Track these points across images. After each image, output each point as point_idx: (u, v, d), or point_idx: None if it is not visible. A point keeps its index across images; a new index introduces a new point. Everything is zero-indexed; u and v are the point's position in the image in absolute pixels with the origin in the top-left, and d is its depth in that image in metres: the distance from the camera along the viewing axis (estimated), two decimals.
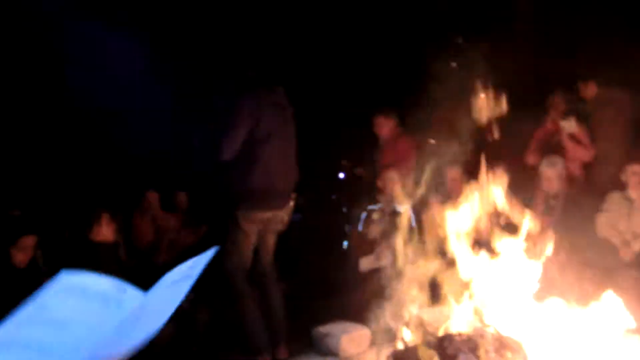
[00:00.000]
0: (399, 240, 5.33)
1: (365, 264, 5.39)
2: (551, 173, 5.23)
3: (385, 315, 3.60)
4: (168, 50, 6.45)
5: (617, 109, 5.54)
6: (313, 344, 3.43)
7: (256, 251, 4.37)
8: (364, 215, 5.78)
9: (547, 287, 3.30)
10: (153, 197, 5.88)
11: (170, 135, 6.32)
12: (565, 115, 5.61)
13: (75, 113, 6.21)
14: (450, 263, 3.90)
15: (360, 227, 5.76)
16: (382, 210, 5.72)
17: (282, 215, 4.35)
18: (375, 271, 5.17)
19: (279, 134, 4.22)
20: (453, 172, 5.52)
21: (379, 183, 5.80)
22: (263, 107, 4.15)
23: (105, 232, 4.40)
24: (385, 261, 5.22)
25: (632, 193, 5.05)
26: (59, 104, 6.28)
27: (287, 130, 4.33)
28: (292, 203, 4.44)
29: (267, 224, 4.29)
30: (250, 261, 4.27)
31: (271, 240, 4.41)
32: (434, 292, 3.46)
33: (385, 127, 6.31)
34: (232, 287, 4.15)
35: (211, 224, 5.69)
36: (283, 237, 6.12)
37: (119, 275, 0.98)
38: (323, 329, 3.44)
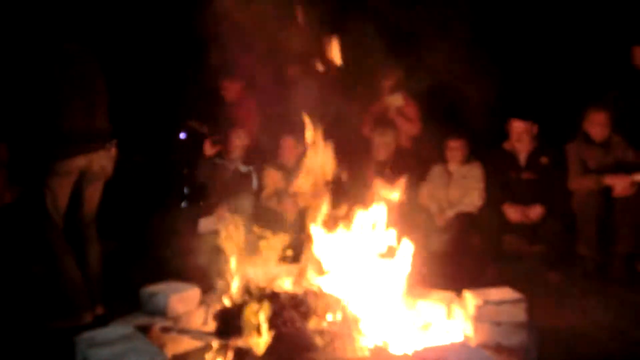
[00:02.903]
0: (240, 200, 5.44)
1: (204, 225, 5.40)
2: (380, 141, 5.61)
3: (216, 275, 3.65)
4: None
5: None
6: (141, 303, 3.39)
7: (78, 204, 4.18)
8: (205, 171, 5.78)
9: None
10: None
11: None
12: (391, 91, 6.02)
13: None
14: (284, 226, 4.03)
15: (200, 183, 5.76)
16: (224, 169, 5.75)
17: (100, 162, 4.14)
18: (213, 232, 5.21)
19: (79, 84, 4.04)
20: (287, 141, 5.69)
21: (223, 142, 5.81)
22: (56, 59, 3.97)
23: None
24: (224, 222, 5.27)
25: (450, 166, 5.58)
26: None
27: (89, 81, 4.13)
28: (112, 151, 4.24)
29: (84, 172, 4.09)
30: (64, 216, 4.07)
31: (91, 192, 4.21)
32: (265, 252, 3.57)
33: (231, 90, 6.38)
34: (48, 244, 3.97)
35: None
36: (119, 196, 5.94)
37: None
38: (151, 288, 3.40)
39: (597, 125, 5.13)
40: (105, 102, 4.22)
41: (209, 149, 5.79)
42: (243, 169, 5.73)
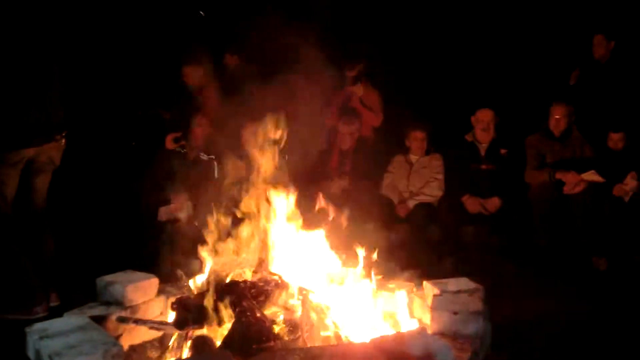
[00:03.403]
0: (201, 189, 5.37)
1: (164, 213, 5.32)
2: (344, 130, 5.63)
3: (175, 263, 3.61)
4: None
5: None
6: (97, 293, 3.32)
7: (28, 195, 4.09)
8: (165, 160, 5.67)
9: (334, 237, 3.55)
10: None
11: None
12: (355, 81, 6.04)
13: None
14: (245, 214, 4.01)
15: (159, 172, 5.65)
16: (185, 157, 5.66)
17: (48, 153, 4.07)
18: (172, 220, 5.15)
19: (30, 76, 3.94)
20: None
21: (185, 138, 5.71)
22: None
23: None
24: (184, 211, 5.21)
25: (412, 157, 5.63)
26: None
27: (41, 73, 4.02)
28: (62, 142, 4.16)
29: (31, 162, 4.00)
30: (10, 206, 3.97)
31: (40, 182, 4.13)
32: (226, 242, 3.55)
33: (193, 76, 6.31)
34: None
35: None
36: (74, 183, 5.81)
37: None
38: (107, 277, 3.33)
39: (556, 119, 5.25)
40: (58, 94, 4.12)
41: (169, 144, 5.66)
42: (204, 157, 5.64)
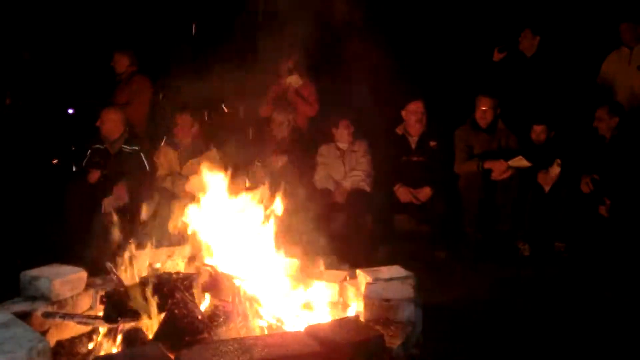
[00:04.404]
0: (133, 181, 5.23)
1: (108, 204, 5.16)
2: (279, 119, 5.62)
3: (106, 256, 3.51)
4: None
5: None
6: (21, 288, 3.19)
7: None
8: (88, 153, 5.49)
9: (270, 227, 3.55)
10: None
11: None
12: (290, 72, 6.03)
13: None
14: (180, 205, 3.93)
15: (83, 166, 5.48)
16: (106, 150, 5.49)
17: None
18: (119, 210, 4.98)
19: None
20: (183, 118, 5.54)
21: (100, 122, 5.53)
22: None
23: None
24: (126, 200, 5.10)
25: (340, 144, 5.68)
26: None
27: None
28: None
29: None
30: None
31: None
32: (163, 234, 3.49)
33: (120, 62, 6.20)
34: None
35: None
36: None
37: None
38: (32, 272, 3.20)
39: (482, 110, 5.44)
40: None
41: (92, 177, 5.42)
42: (127, 149, 5.47)
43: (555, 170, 5.17)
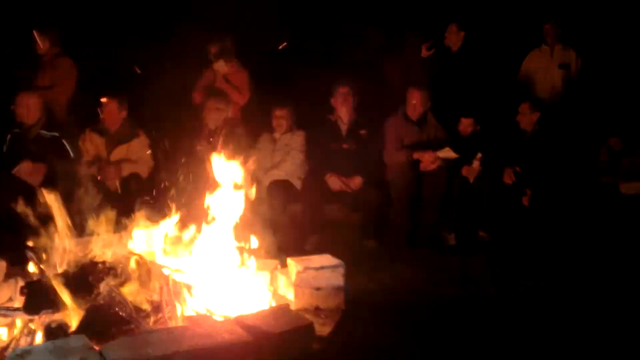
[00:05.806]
0: (55, 168, 5.02)
1: (24, 169, 4.96)
2: (211, 109, 5.53)
3: (27, 246, 3.37)
4: None
5: None
6: None
7: None
8: (8, 138, 5.23)
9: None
10: None
11: None
12: (216, 58, 5.92)
13: None
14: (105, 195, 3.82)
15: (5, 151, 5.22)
16: (24, 136, 5.24)
17: None
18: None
19: None
20: (109, 105, 5.36)
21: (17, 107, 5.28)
22: None
23: None
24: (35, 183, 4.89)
25: (276, 134, 5.68)
26: None
27: None
28: None
29: None
30: None
31: None
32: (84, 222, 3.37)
33: (41, 43, 5.89)
34: None
35: None
36: None
37: None
38: None
39: (413, 104, 5.56)
40: None
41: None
42: (46, 134, 5.24)
43: (476, 164, 5.36)
